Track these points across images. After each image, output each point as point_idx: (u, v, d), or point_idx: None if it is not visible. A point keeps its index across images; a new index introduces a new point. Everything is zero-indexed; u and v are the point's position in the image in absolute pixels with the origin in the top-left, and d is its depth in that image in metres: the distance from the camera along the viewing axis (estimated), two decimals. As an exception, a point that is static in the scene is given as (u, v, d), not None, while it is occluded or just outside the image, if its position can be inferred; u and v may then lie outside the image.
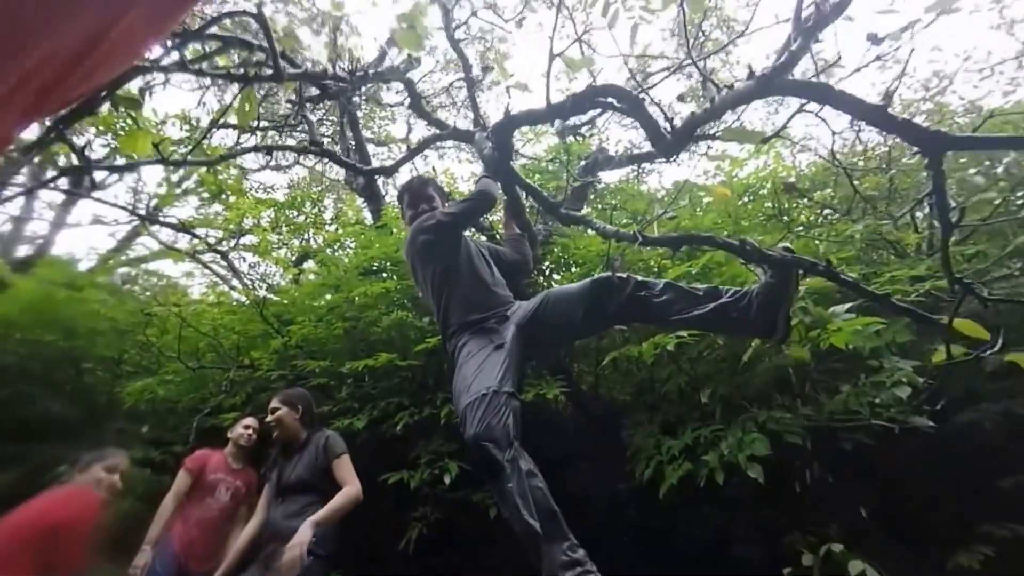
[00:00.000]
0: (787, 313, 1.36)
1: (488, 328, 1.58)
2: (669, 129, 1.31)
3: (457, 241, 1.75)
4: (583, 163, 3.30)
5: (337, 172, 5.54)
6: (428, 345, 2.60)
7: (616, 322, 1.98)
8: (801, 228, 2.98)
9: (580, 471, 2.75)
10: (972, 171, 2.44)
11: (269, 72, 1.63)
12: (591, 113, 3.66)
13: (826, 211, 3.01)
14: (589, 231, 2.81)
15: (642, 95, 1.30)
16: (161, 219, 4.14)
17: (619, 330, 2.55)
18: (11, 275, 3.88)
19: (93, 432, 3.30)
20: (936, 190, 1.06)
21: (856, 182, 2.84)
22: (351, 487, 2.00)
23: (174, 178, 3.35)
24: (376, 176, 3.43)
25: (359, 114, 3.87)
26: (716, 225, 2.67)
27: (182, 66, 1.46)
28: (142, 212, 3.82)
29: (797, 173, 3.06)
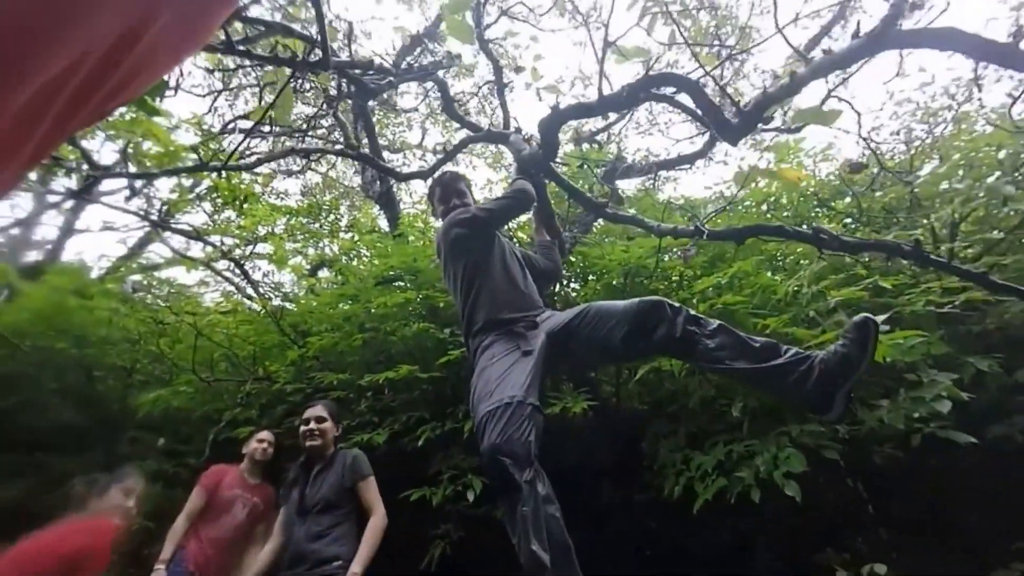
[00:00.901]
0: (849, 392, 1.21)
1: (516, 332, 1.49)
2: (735, 112, 1.23)
3: (491, 238, 1.70)
4: (602, 171, 3.27)
5: (351, 178, 5.51)
6: (450, 357, 2.56)
7: (655, 353, 1.83)
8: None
9: (598, 481, 2.69)
10: (1002, 177, 2.41)
11: (316, 59, 1.56)
12: (610, 116, 3.62)
13: (846, 220, 2.98)
14: (606, 240, 2.78)
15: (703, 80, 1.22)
16: (174, 225, 4.09)
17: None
18: (21, 282, 3.83)
19: (105, 443, 3.25)
20: None
21: (879, 192, 2.82)
22: (378, 517, 1.95)
23: (187, 183, 3.31)
24: (406, 181, 3.38)
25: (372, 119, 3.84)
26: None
27: (229, 47, 1.41)
28: (154, 218, 3.78)
29: (818, 182, 3.03)
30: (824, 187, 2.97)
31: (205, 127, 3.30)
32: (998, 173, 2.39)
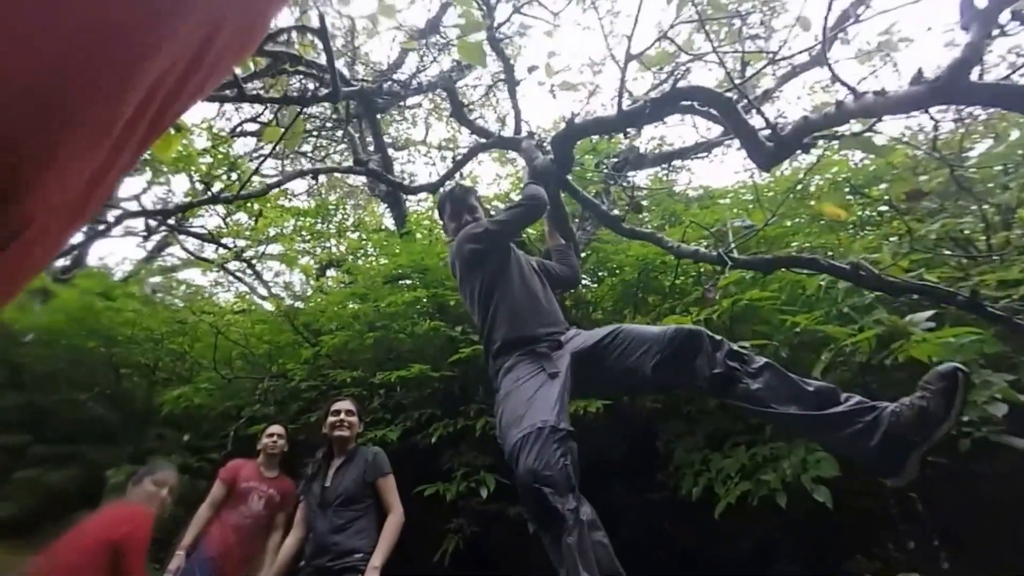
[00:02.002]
0: (925, 455, 1.03)
1: (539, 353, 1.41)
2: (770, 135, 1.11)
3: (507, 251, 1.63)
4: (614, 161, 3.13)
5: (356, 178, 5.47)
6: (461, 355, 2.52)
7: (688, 388, 1.63)
8: (851, 227, 2.74)
9: (611, 480, 2.64)
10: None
11: (326, 92, 1.53)
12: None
13: (881, 208, 2.75)
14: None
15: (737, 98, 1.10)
16: (189, 229, 4.19)
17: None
18: (53, 285, 4.01)
19: (134, 436, 3.39)
20: None
21: (925, 176, 2.57)
22: (396, 513, 1.98)
23: (199, 187, 3.37)
24: (415, 194, 3.34)
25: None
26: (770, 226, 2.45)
27: (240, 94, 1.38)
28: (171, 222, 3.87)
29: (852, 169, 2.79)
30: (858, 173, 2.74)
31: (215, 130, 3.32)
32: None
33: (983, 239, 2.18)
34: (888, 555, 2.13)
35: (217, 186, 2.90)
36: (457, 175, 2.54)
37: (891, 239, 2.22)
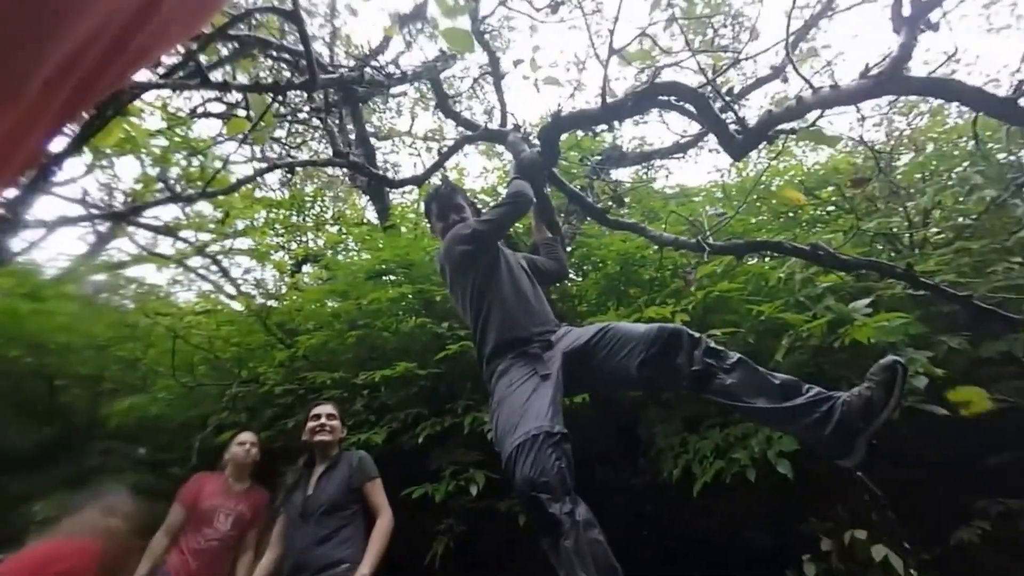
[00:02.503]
0: (871, 438, 1.15)
1: (531, 354, 1.43)
2: (740, 129, 1.25)
3: (496, 251, 1.64)
4: (596, 159, 3.26)
5: (335, 168, 5.21)
6: (448, 352, 2.52)
7: (671, 385, 1.69)
8: (806, 224, 3.06)
9: (596, 467, 2.75)
10: (970, 168, 2.56)
11: (302, 80, 1.46)
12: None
13: (830, 208, 3.10)
14: (604, 230, 2.78)
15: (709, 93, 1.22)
16: (141, 220, 3.78)
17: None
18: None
19: (73, 457, 3.03)
20: None
21: (866, 176, 2.93)
22: (385, 518, 1.92)
23: (152, 172, 3.04)
24: (399, 188, 3.25)
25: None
26: (736, 222, 2.67)
27: (203, 80, 1.29)
28: (118, 211, 3.46)
29: (805, 172, 3.13)
30: (810, 176, 3.07)
31: (171, 109, 3.03)
32: (966, 163, 2.54)
33: (908, 236, 2.53)
34: (837, 515, 2.40)
35: (174, 171, 2.64)
36: (443, 168, 2.53)
37: (838, 234, 2.52)
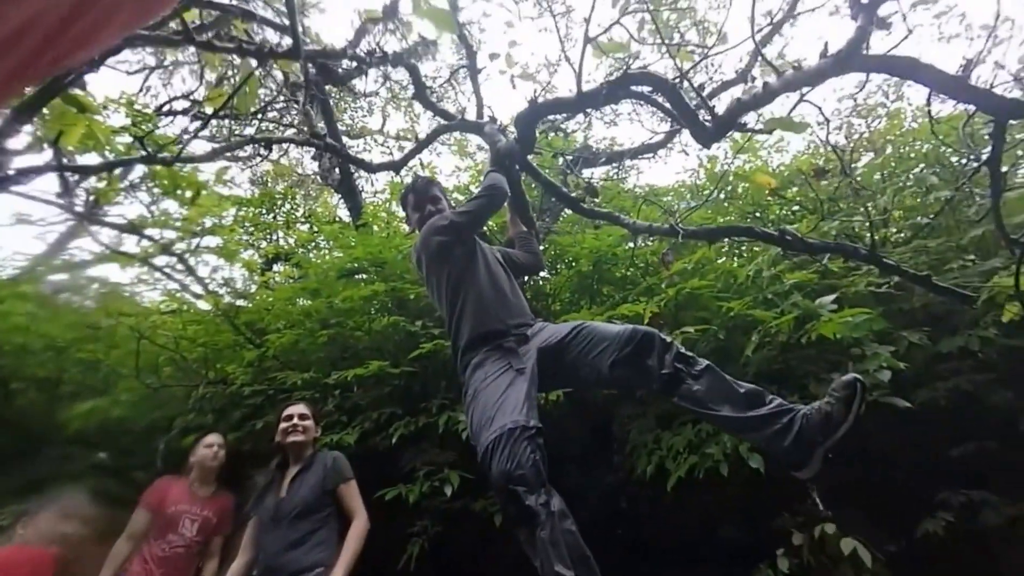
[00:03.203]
0: (827, 452, 1.17)
1: (506, 348, 1.43)
2: (709, 117, 1.27)
3: (473, 243, 1.64)
4: (569, 159, 3.28)
5: (306, 165, 5.17)
6: (422, 351, 2.49)
7: (641, 387, 1.71)
8: (771, 223, 3.14)
9: (570, 464, 2.75)
10: (926, 169, 2.67)
11: (286, 48, 1.43)
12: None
13: (794, 208, 3.19)
14: (576, 228, 2.80)
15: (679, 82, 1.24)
16: (104, 218, 3.65)
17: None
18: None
19: (28, 464, 2.89)
20: (992, 155, 1.10)
21: (824, 183, 3.03)
22: (360, 520, 1.88)
23: (116, 171, 2.93)
24: (376, 172, 3.21)
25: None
26: (705, 219, 2.74)
27: (188, 38, 1.26)
28: (79, 209, 3.33)
29: (772, 173, 3.22)
30: (776, 176, 3.16)
31: (137, 107, 2.94)
32: (922, 165, 2.65)
33: (868, 235, 2.62)
34: (809, 509, 2.45)
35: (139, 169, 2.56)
36: (417, 159, 2.51)
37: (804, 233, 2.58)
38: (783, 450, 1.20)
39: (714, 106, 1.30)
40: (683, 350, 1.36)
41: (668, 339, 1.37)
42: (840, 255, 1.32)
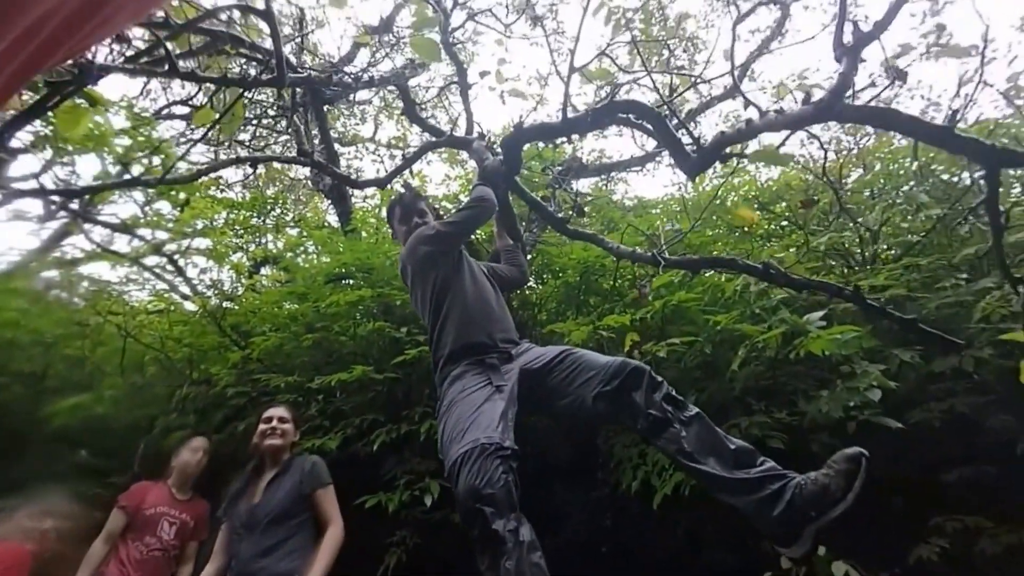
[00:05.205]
0: (819, 530, 1.07)
1: (488, 364, 1.39)
2: (695, 148, 1.27)
3: (459, 254, 1.63)
4: (557, 170, 3.30)
5: (297, 171, 5.23)
6: (406, 357, 2.47)
7: (625, 423, 1.57)
8: (760, 239, 3.12)
9: (554, 481, 2.70)
10: (915, 187, 2.65)
11: (270, 76, 1.46)
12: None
13: (783, 224, 3.18)
14: (564, 239, 2.79)
15: (665, 112, 1.25)
16: (98, 217, 3.68)
17: (599, 337, 2.51)
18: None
19: (9, 461, 2.87)
20: (989, 198, 1.08)
21: (815, 197, 3.02)
22: (336, 528, 1.85)
23: (113, 170, 2.98)
24: (362, 188, 3.25)
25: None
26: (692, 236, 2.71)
27: (171, 70, 1.27)
28: (75, 207, 3.37)
29: (759, 188, 3.22)
30: (764, 192, 3.16)
31: (137, 110, 3.00)
32: (912, 182, 2.63)
33: (859, 251, 2.60)
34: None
35: (136, 170, 2.60)
36: (406, 172, 2.54)
37: (791, 249, 2.57)
38: (770, 520, 1.09)
39: (699, 136, 1.30)
40: (673, 392, 1.27)
41: (659, 378, 1.29)
42: (823, 293, 1.29)
